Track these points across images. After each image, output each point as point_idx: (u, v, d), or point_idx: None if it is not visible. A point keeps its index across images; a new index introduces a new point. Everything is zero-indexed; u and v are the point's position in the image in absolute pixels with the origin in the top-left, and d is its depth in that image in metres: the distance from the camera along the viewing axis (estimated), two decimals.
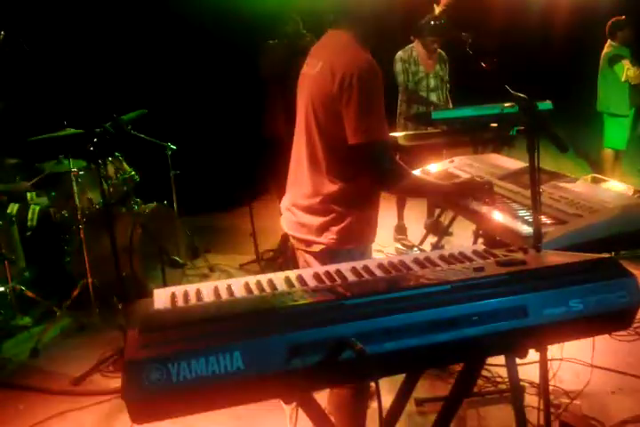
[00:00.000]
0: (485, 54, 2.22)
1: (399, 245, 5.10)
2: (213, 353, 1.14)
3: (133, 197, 3.90)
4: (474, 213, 2.18)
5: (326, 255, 2.01)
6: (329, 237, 2.01)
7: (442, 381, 2.85)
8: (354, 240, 2.04)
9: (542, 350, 1.84)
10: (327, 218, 2.01)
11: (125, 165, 3.91)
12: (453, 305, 1.28)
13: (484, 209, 2.11)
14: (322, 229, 2.02)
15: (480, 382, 2.81)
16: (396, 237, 5.22)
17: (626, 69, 5.74)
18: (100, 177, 3.14)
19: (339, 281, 1.56)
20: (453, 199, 2.29)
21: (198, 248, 4.64)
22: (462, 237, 4.84)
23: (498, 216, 2.05)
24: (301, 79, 2.09)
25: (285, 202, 2.18)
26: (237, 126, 5.64)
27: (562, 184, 2.23)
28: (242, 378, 1.15)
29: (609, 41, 5.90)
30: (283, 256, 4.43)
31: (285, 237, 4.31)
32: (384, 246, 5.03)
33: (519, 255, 1.61)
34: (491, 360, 2.81)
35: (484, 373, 2.87)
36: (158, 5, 5.63)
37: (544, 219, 1.95)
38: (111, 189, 3.68)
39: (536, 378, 2.80)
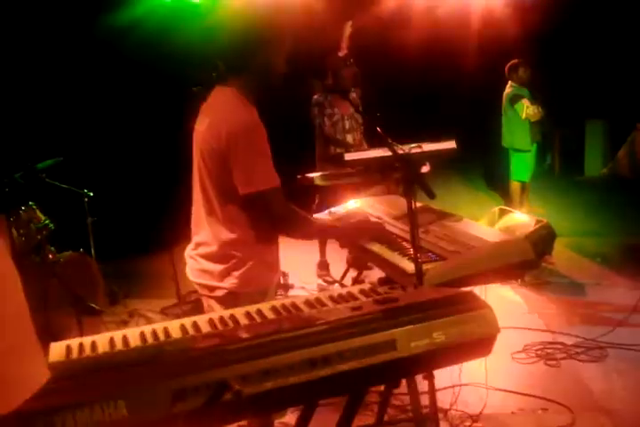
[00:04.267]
0: (371, 108, 2.41)
1: (321, 281, 5.25)
2: (97, 403, 1.21)
3: (48, 246, 3.87)
4: (367, 251, 2.34)
5: (229, 299, 2.10)
6: (230, 281, 2.11)
7: None
8: (255, 284, 2.14)
9: (430, 378, 2.00)
10: (228, 264, 2.11)
11: (39, 214, 3.89)
12: (328, 343, 1.41)
13: (375, 248, 2.28)
14: (223, 275, 2.12)
15: (391, 410, 2.92)
16: (318, 273, 5.34)
17: (525, 108, 6.20)
18: (11, 227, 3.13)
19: (231, 326, 1.66)
20: (348, 240, 2.45)
21: (117, 294, 4.60)
22: (381, 271, 5.02)
23: (387, 255, 2.21)
24: (194, 134, 2.20)
25: (188, 250, 2.27)
26: (158, 170, 5.70)
27: (447, 223, 2.43)
28: (127, 426, 1.23)
29: (509, 82, 6.37)
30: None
31: None
32: (307, 283, 5.16)
33: (398, 292, 1.77)
34: (402, 389, 2.95)
35: (395, 402, 2.99)
36: (75, 52, 5.68)
37: (428, 256, 2.12)
38: (23, 239, 3.65)
39: (445, 404, 2.96)
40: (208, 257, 2.14)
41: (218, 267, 2.11)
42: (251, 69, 2.11)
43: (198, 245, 2.18)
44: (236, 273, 2.10)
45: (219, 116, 2.04)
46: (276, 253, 2.22)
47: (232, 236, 2.08)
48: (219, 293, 2.12)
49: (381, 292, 1.81)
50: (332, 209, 3.21)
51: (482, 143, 7.90)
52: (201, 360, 1.33)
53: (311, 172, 4.84)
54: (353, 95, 5.22)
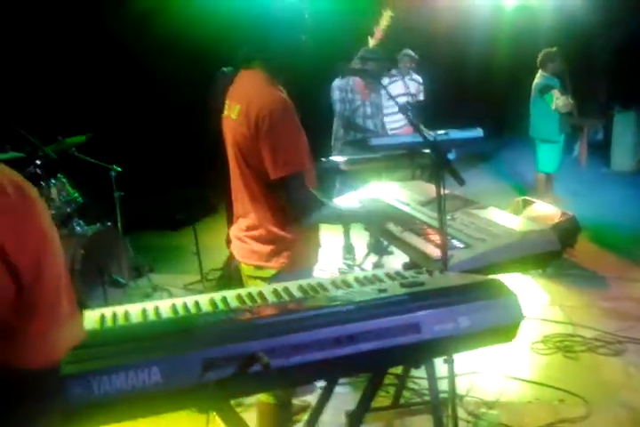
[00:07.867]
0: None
1: (342, 265, 5.28)
2: (133, 368, 1.26)
3: (76, 219, 3.95)
4: (391, 236, 2.37)
5: (278, 279, 2.11)
6: (280, 261, 2.16)
7: None
8: (301, 263, 2.20)
9: (450, 363, 2.03)
10: (276, 245, 2.16)
11: (68, 187, 3.97)
12: (354, 323, 1.45)
13: (400, 233, 2.30)
14: (272, 255, 2.17)
15: (407, 393, 2.97)
16: (344, 256, 5.38)
17: (555, 99, 6.11)
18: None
19: (259, 302, 1.70)
20: (371, 224, 2.47)
21: (142, 268, 4.69)
22: (401, 256, 5.03)
23: (412, 240, 2.23)
24: (225, 122, 2.22)
25: (235, 231, 2.32)
26: (185, 147, 5.76)
27: (473, 211, 2.43)
28: (160, 391, 1.28)
29: (540, 71, 6.26)
30: (227, 275, 4.54)
31: (231, 256, 4.41)
32: (329, 266, 5.20)
33: (424, 277, 1.79)
34: (418, 373, 2.98)
35: (412, 385, 3.03)
36: (106, 30, 5.73)
37: (454, 243, 2.14)
38: (53, 212, 3.73)
39: (462, 390, 2.99)
40: (256, 239, 2.19)
41: (267, 248, 2.16)
42: (273, 52, 2.11)
43: (245, 227, 2.23)
44: (285, 253, 2.15)
45: (249, 102, 2.06)
46: (318, 233, 2.27)
47: (278, 219, 2.14)
48: (267, 273, 2.17)
49: (407, 276, 1.83)
50: (354, 193, 3.22)
51: (509, 132, 7.83)
52: (231, 333, 1.37)
53: (327, 155, 4.85)
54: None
